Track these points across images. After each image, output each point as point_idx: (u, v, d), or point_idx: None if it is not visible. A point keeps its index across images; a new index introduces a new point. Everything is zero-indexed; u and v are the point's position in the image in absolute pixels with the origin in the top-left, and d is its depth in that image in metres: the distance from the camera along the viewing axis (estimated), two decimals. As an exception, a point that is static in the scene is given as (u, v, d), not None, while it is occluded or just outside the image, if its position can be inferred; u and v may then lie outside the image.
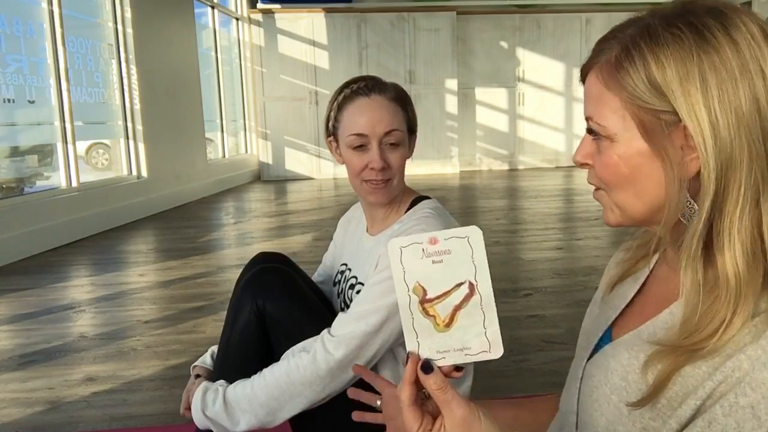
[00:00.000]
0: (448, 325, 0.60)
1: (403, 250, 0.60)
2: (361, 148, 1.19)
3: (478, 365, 1.18)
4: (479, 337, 0.60)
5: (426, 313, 0.60)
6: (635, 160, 0.60)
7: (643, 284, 0.72)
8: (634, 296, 0.72)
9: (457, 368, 0.61)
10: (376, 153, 1.18)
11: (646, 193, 0.61)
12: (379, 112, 1.18)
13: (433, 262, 0.59)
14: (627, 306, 0.72)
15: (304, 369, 1.11)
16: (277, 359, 1.18)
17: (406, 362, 0.60)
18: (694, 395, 0.55)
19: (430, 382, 0.58)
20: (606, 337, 0.72)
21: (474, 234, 0.59)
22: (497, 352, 0.60)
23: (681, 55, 0.55)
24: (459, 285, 0.59)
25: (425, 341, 0.60)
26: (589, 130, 0.64)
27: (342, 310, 1.29)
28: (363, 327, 1.10)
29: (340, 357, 1.10)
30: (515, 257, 3.85)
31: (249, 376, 1.17)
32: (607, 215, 0.67)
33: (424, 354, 0.60)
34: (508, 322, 2.57)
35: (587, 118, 0.64)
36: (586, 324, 0.79)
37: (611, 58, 0.61)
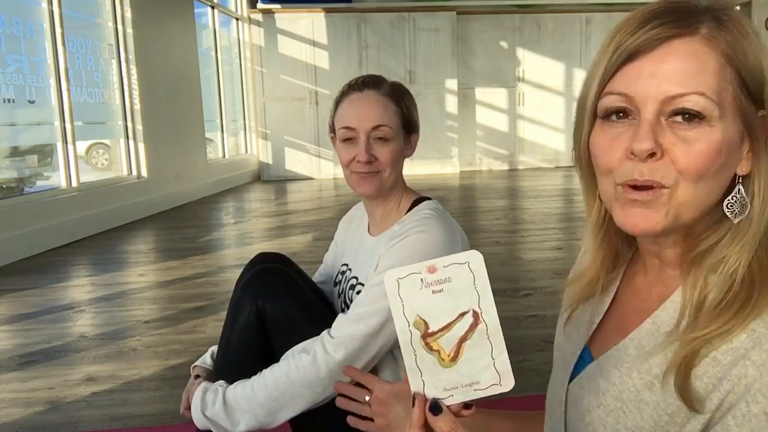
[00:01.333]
0: (454, 359, 0.55)
1: (401, 281, 0.56)
2: (349, 141, 1.22)
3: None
4: (488, 369, 0.56)
5: (429, 348, 0.56)
6: (730, 149, 0.55)
7: (614, 298, 0.68)
8: (607, 310, 0.68)
9: (467, 405, 0.57)
10: (362, 146, 1.20)
11: (717, 188, 0.56)
12: (368, 106, 1.21)
13: (433, 292, 0.55)
14: (600, 322, 0.68)
15: (304, 370, 1.11)
16: (276, 360, 1.18)
17: (413, 404, 0.56)
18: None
19: (441, 425, 0.55)
20: (585, 356, 0.69)
21: (474, 259, 0.55)
22: (508, 384, 0.56)
23: None
24: (462, 315, 0.55)
25: (431, 379, 0.56)
26: (680, 112, 0.54)
27: (342, 310, 1.29)
28: (363, 329, 1.10)
29: (341, 359, 1.10)
30: (515, 257, 3.85)
31: (249, 377, 1.17)
32: (654, 218, 0.56)
33: (431, 393, 0.56)
34: (508, 322, 2.57)
35: (679, 95, 0.54)
36: (560, 343, 0.75)
37: (732, 29, 0.55)
